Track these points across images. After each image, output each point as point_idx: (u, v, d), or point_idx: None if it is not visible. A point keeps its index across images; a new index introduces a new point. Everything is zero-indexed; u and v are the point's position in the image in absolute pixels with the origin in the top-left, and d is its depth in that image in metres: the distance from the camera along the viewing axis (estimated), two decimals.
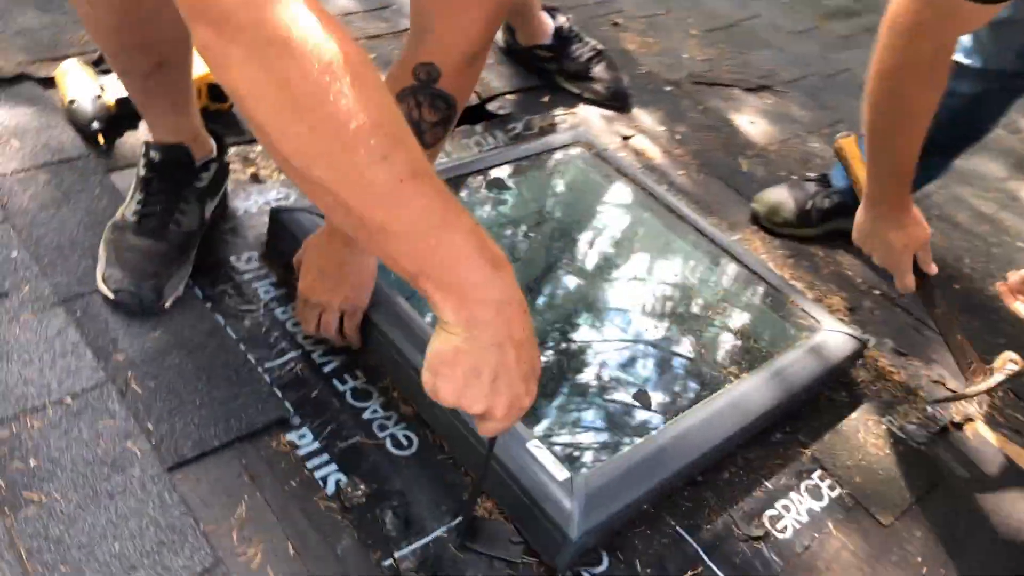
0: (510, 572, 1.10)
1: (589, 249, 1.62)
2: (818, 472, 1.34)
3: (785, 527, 1.24)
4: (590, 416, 1.30)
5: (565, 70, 2.06)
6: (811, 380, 1.37)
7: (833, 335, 1.43)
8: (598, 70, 2.06)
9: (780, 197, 1.85)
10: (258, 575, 1.02)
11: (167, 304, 1.27)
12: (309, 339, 1.31)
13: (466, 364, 0.81)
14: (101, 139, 1.51)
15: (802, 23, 2.83)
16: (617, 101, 2.07)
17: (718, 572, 1.16)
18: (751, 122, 2.21)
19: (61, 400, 1.12)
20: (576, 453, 1.23)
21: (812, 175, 1.90)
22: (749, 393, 1.29)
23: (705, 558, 1.18)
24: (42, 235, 1.33)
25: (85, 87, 1.53)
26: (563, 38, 2.05)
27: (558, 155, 1.76)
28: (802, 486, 1.31)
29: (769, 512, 1.26)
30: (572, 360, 1.38)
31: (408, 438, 1.22)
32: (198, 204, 1.35)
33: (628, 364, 1.40)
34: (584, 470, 1.14)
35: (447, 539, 1.11)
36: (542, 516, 1.07)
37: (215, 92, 1.63)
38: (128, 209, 1.32)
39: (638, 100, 2.12)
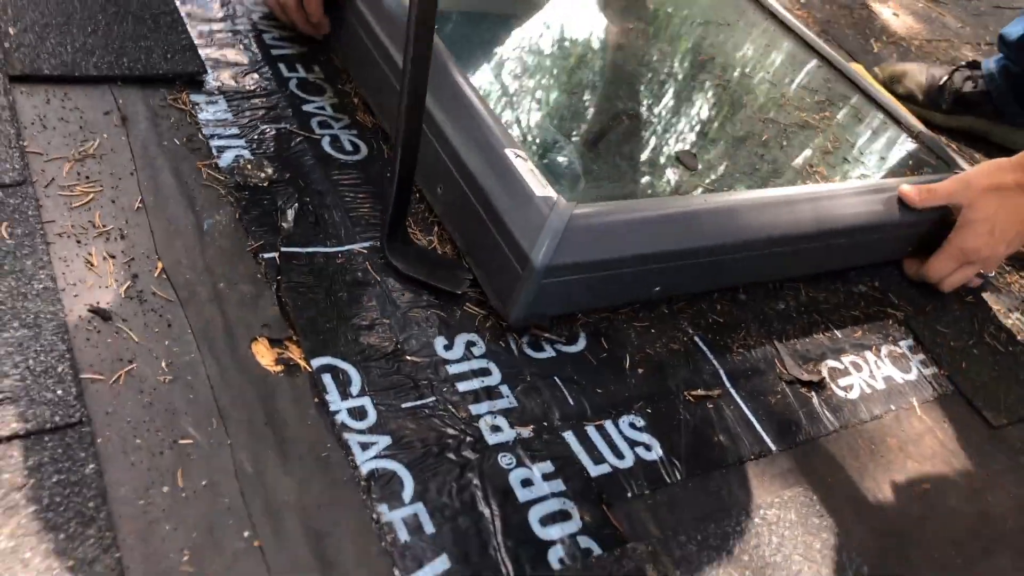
0: (440, 313, 0.75)
1: (693, 45, 1.25)
2: (909, 342, 0.95)
3: (850, 386, 0.87)
4: (615, 163, 0.93)
5: None
6: (927, 223, 0.98)
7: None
8: None
9: (910, 67, 1.46)
10: (75, 216, 0.70)
11: None
12: (267, 19, 0.99)
13: None
14: None
15: None
16: None
17: (741, 404, 0.79)
18: (895, 14, 1.82)
19: None
20: (576, 189, 0.87)
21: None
22: (836, 198, 0.92)
23: (726, 382, 0.81)
24: None
25: None
26: None
27: None
28: (884, 350, 0.93)
29: (831, 363, 0.88)
30: (625, 117, 1.01)
31: (355, 144, 0.89)
32: None
33: (689, 134, 1.02)
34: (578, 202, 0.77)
35: (366, 254, 0.77)
36: (502, 237, 0.73)
37: None
38: None
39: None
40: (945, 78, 1.42)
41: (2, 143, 0.72)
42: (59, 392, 0.58)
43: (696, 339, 0.84)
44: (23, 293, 0.63)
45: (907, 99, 1.42)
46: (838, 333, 0.92)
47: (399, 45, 0.85)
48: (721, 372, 0.82)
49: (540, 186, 0.74)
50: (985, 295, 1.07)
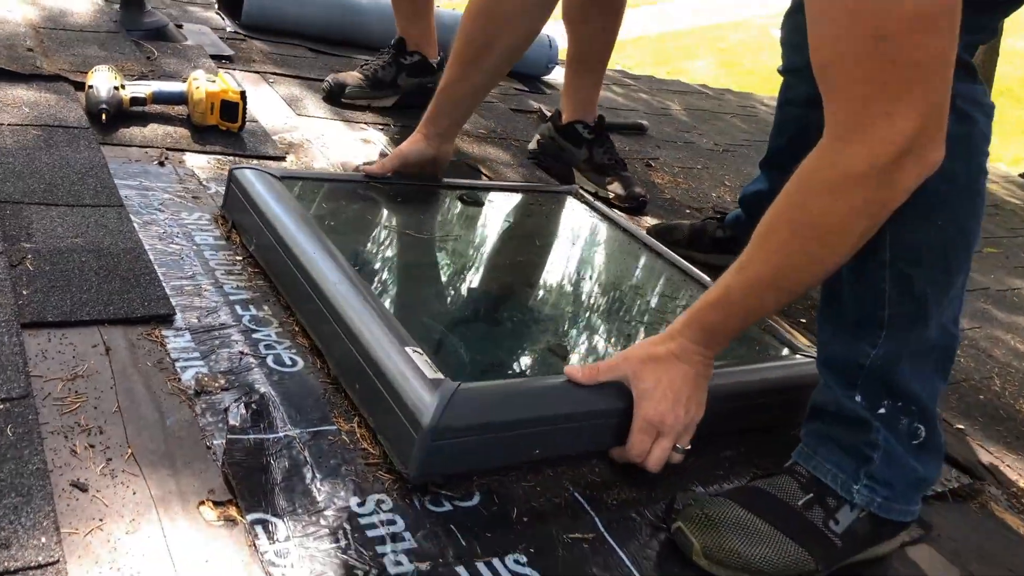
0: (355, 479, 0.93)
1: (552, 259, 1.53)
2: None
3: None
4: (497, 353, 1.15)
5: (593, 159, 2.08)
6: (769, 389, 1.19)
7: (806, 361, 1.26)
8: (622, 174, 2.08)
9: (674, 223, 1.94)
10: (65, 419, 0.90)
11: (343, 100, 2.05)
12: (224, 270, 1.25)
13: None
14: (104, 117, 1.59)
15: None
16: (633, 203, 2.04)
17: (617, 548, 0.95)
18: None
19: None
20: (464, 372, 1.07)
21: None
22: None
23: (602, 529, 0.97)
24: (8, 160, 1.37)
25: (106, 80, 1.64)
26: (602, 128, 2.11)
27: (546, 196, 1.74)
28: None
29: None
30: (505, 313, 1.25)
31: (293, 359, 1.10)
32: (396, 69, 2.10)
33: (560, 330, 1.25)
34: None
35: (295, 437, 0.96)
36: (403, 413, 0.93)
37: (227, 111, 1.71)
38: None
39: (652, 211, 2.10)
40: (700, 227, 1.86)
41: (12, 370, 0.93)
42: (42, 540, 0.75)
43: (575, 494, 1.01)
44: (19, 472, 0.81)
45: (675, 244, 1.76)
46: (702, 490, 1.09)
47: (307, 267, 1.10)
48: (597, 520, 0.98)
49: (432, 371, 0.96)
50: None
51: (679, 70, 11.00)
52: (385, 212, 1.52)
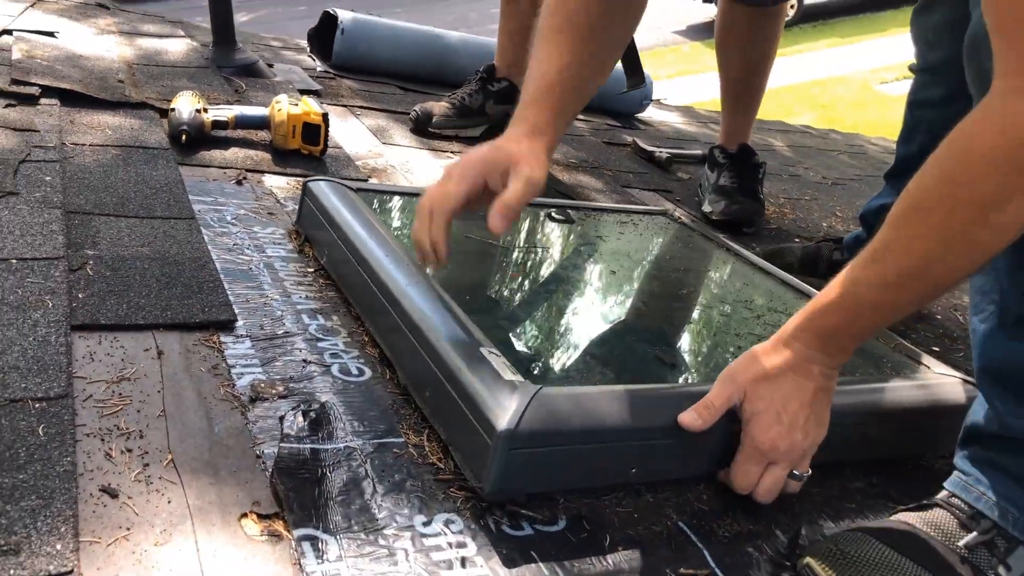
0: (421, 495, 0.80)
1: (645, 272, 1.39)
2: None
3: None
4: (598, 358, 1.01)
5: (718, 183, 1.97)
6: (907, 412, 1.01)
7: (948, 381, 1.08)
8: (738, 197, 1.94)
9: (784, 246, 1.80)
10: (103, 422, 0.81)
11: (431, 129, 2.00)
12: (294, 281, 1.16)
13: None
14: (184, 139, 1.56)
15: None
16: (726, 217, 1.90)
17: None
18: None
19: (5, 258, 1.03)
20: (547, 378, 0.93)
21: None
22: None
23: (713, 565, 0.81)
24: (83, 175, 1.34)
25: (189, 103, 1.62)
26: (744, 157, 2.04)
27: (639, 215, 1.61)
28: None
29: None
30: (596, 322, 1.11)
31: (360, 369, 1.00)
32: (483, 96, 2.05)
33: (661, 340, 1.11)
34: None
35: (357, 449, 0.84)
36: (476, 419, 0.80)
37: (309, 133, 1.66)
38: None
39: (757, 240, 1.94)
40: (815, 250, 1.70)
41: (54, 369, 0.85)
42: (58, 547, 0.65)
43: (680, 524, 0.85)
44: (45, 475, 0.72)
45: (786, 268, 1.55)
46: (831, 524, 0.92)
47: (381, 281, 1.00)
48: (706, 553, 0.82)
49: (511, 373, 0.83)
50: None
51: None
52: (465, 223, 1.41)
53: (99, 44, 2.12)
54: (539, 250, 1.38)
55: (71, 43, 2.06)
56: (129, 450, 0.78)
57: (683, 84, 10.90)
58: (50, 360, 0.86)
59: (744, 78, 2.01)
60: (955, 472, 0.89)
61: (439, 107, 2.08)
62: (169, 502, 0.73)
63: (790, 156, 3.09)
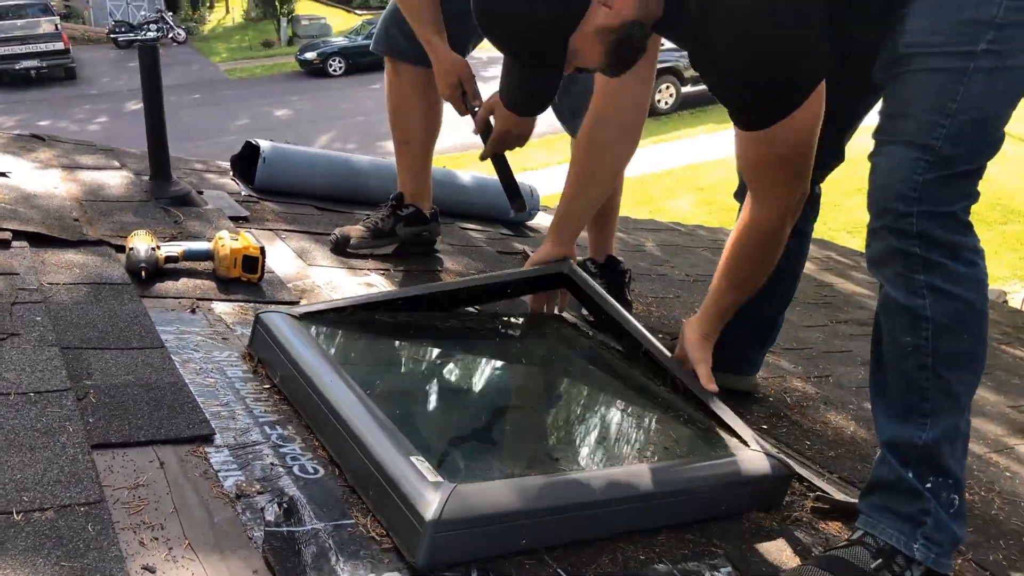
0: (372, 562, 1.11)
1: (544, 377, 1.75)
2: (728, 570, 1.30)
3: None
4: (504, 457, 1.35)
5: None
6: (727, 485, 1.39)
7: (757, 456, 1.46)
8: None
9: None
10: (132, 518, 1.09)
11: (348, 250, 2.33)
12: (253, 398, 1.46)
13: None
14: (143, 275, 1.84)
15: (815, 320, 3.07)
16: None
17: None
18: None
19: (24, 392, 1.30)
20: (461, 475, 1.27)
21: None
22: (657, 471, 1.33)
23: None
24: (66, 313, 1.61)
25: (144, 242, 1.91)
26: (611, 268, 2.44)
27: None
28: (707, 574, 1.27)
29: None
30: (501, 424, 1.46)
31: (315, 468, 1.30)
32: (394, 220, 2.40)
33: (549, 439, 1.46)
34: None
35: (319, 531, 1.15)
36: (410, 513, 1.12)
37: (248, 264, 1.97)
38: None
39: None
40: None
41: (88, 481, 1.13)
42: None
43: (561, 572, 1.19)
44: (102, 559, 1.00)
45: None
46: (672, 567, 1.27)
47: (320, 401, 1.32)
48: None
49: (432, 475, 1.16)
50: (797, 536, 1.43)
51: (660, 209, 11.51)
52: (394, 340, 1.74)
53: (46, 180, 2.38)
54: (453, 358, 1.73)
55: (22, 182, 2.31)
56: (156, 539, 1.07)
57: (557, 173, 11.62)
58: (83, 473, 1.14)
59: (606, 199, 2.40)
60: (862, 515, 1.33)
61: (355, 231, 2.42)
62: (192, 574, 1.02)
63: (659, 255, 3.55)
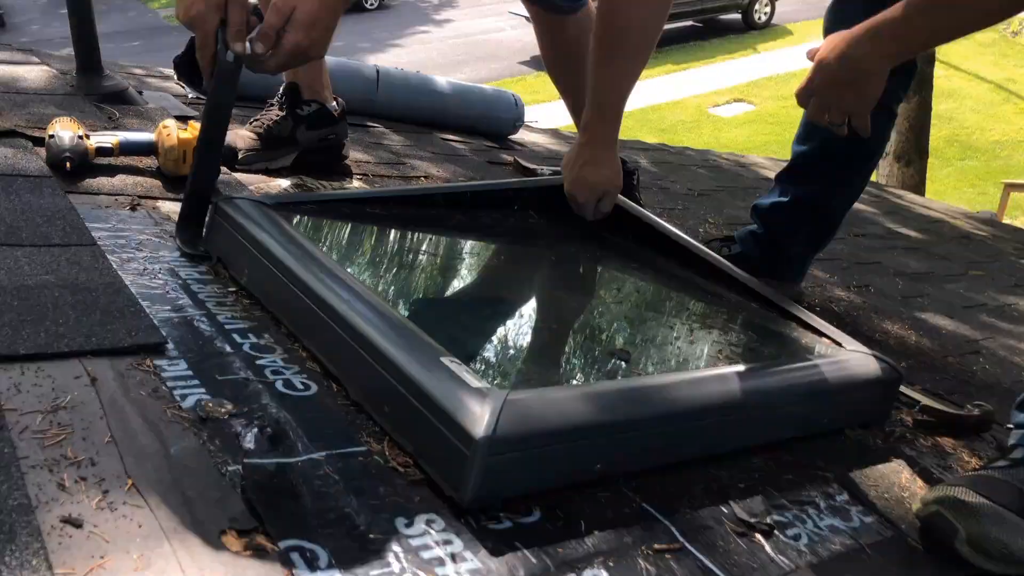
0: (397, 500, 0.79)
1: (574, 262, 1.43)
2: (845, 497, 1.01)
3: (798, 535, 0.91)
4: (555, 362, 1.03)
5: None
6: (830, 392, 1.09)
7: (859, 356, 1.17)
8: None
9: None
10: (48, 452, 0.76)
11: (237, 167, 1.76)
12: (215, 302, 1.12)
13: None
14: (68, 166, 1.47)
15: None
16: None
17: (699, 555, 0.82)
18: None
19: None
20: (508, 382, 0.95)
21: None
22: (750, 376, 1.03)
23: (680, 538, 0.84)
24: None
25: (69, 129, 1.53)
26: None
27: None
28: (823, 504, 0.98)
29: (776, 517, 0.93)
30: (561, 323, 1.13)
31: (306, 384, 0.97)
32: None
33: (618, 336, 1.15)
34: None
35: (323, 460, 0.83)
36: (448, 429, 0.80)
37: None
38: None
39: None
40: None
41: None
42: None
43: (645, 506, 0.88)
44: None
45: None
46: (775, 493, 0.98)
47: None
48: (674, 530, 0.85)
49: (476, 380, 0.84)
50: (911, 457, 1.15)
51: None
52: (392, 230, 1.40)
53: None
54: (472, 249, 1.39)
55: None
56: (83, 478, 0.73)
57: (534, 112, 11.20)
58: None
59: (583, 85, 2.05)
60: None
61: (243, 138, 1.84)
62: (140, 526, 0.69)
63: (655, 171, 3.24)
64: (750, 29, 18.22)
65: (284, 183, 1.77)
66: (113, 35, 19.54)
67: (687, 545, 0.83)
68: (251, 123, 1.88)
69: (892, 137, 7.33)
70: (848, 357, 1.16)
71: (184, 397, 0.89)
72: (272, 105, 1.90)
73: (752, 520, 0.90)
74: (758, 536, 0.88)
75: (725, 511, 0.91)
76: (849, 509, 0.98)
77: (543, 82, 16.16)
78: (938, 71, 12.24)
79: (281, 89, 1.90)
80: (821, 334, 1.25)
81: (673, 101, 15.55)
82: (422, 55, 16.24)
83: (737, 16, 18.60)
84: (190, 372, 0.94)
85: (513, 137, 3.09)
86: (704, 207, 2.71)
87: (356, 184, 1.89)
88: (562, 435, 0.84)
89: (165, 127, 1.60)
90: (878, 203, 3.76)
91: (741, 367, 1.05)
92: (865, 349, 1.20)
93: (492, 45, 18.64)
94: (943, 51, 13.42)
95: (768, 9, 18.60)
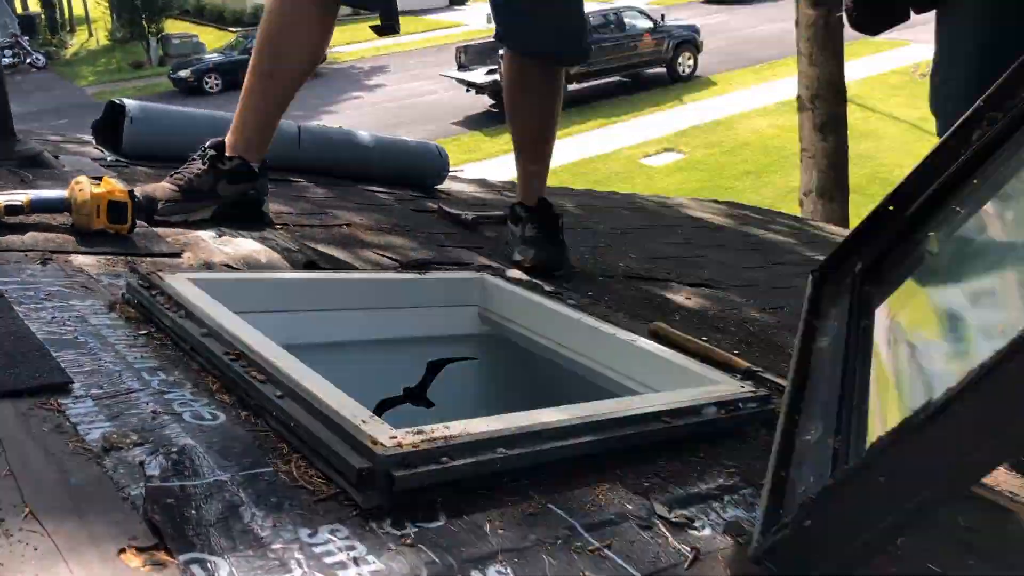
0: (302, 512, 0.80)
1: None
2: (749, 490, 1.05)
3: (703, 527, 0.94)
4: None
5: (524, 234, 2.09)
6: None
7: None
8: (547, 245, 2.07)
9: None
10: None
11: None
12: (126, 344, 1.13)
13: None
14: None
15: (753, 261, 2.89)
16: (551, 267, 2.03)
17: (604, 550, 0.85)
18: (687, 298, 2.14)
19: None
20: None
21: None
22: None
23: (585, 534, 0.87)
24: None
25: None
26: (543, 210, 2.16)
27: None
28: (726, 497, 1.02)
29: (680, 511, 0.96)
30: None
31: (214, 414, 0.98)
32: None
33: None
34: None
35: (225, 482, 0.83)
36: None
37: (115, 212, 1.61)
38: None
39: (565, 279, 2.08)
40: None
41: None
42: None
43: (551, 506, 0.91)
44: None
45: None
46: (681, 490, 1.01)
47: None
48: (578, 527, 0.88)
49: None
50: None
51: None
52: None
53: None
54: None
55: None
56: None
57: (470, 171, 11.38)
58: None
59: (537, 133, 2.16)
60: None
61: (162, 190, 1.84)
62: (36, 549, 0.69)
63: (580, 214, 3.32)
64: (675, 81, 18.87)
65: (205, 234, 1.78)
66: (40, 113, 19.34)
67: (592, 541, 0.86)
68: (172, 176, 1.89)
69: (813, 175, 7.62)
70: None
71: (89, 432, 0.89)
72: (194, 159, 1.92)
73: (657, 514, 0.93)
74: (662, 528, 0.91)
75: (631, 507, 0.94)
76: (752, 501, 1.02)
77: (477, 141, 16.46)
78: (856, 113, 12.83)
79: (206, 145, 1.93)
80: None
81: (604, 154, 15.92)
82: (356, 119, 16.41)
83: (662, 70, 19.23)
84: (96, 408, 0.95)
85: (440, 187, 3.14)
86: (626, 244, 2.79)
87: (279, 233, 1.91)
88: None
89: (78, 183, 1.61)
90: (797, 235, 3.90)
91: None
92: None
93: (425, 107, 18.94)
94: (858, 94, 14.10)
95: (691, 62, 19.30)
